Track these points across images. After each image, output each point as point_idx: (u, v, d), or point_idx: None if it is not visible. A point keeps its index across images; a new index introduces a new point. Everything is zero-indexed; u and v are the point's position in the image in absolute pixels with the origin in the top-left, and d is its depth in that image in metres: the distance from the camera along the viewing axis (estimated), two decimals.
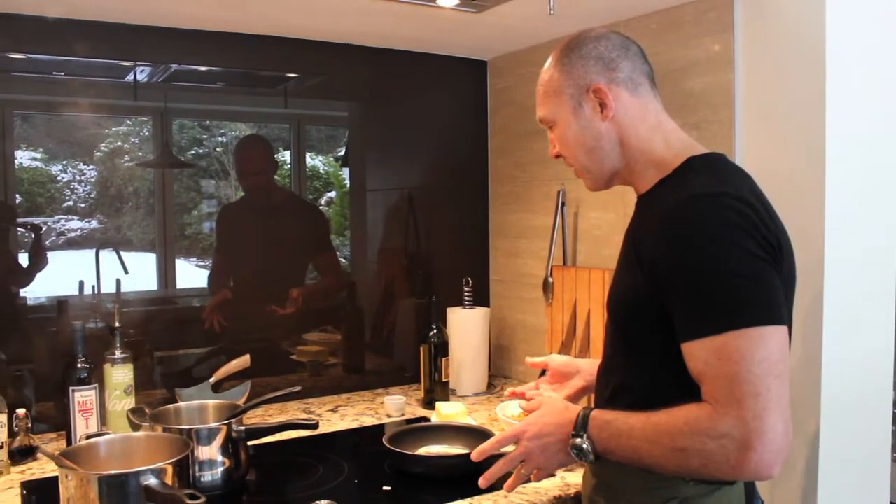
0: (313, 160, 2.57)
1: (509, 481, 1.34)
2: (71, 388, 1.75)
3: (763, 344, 1.05)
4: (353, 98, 2.54)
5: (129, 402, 1.83)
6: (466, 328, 2.37)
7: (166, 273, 2.34)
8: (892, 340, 1.82)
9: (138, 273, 2.21)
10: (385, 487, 1.64)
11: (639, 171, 1.30)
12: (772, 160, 1.69)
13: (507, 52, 2.53)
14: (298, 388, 1.71)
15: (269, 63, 2.30)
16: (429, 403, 2.22)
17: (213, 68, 2.27)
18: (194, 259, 2.39)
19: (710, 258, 1.08)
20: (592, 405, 1.34)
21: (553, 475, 1.51)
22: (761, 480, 1.12)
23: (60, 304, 2.05)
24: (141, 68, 2.13)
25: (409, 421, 2.12)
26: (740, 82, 1.78)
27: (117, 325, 1.85)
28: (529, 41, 2.37)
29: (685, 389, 1.11)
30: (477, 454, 1.36)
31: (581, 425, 1.21)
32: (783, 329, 1.08)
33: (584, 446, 1.20)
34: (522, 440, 1.30)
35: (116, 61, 2.10)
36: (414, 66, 2.51)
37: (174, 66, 2.17)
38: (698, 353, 1.09)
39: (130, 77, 2.14)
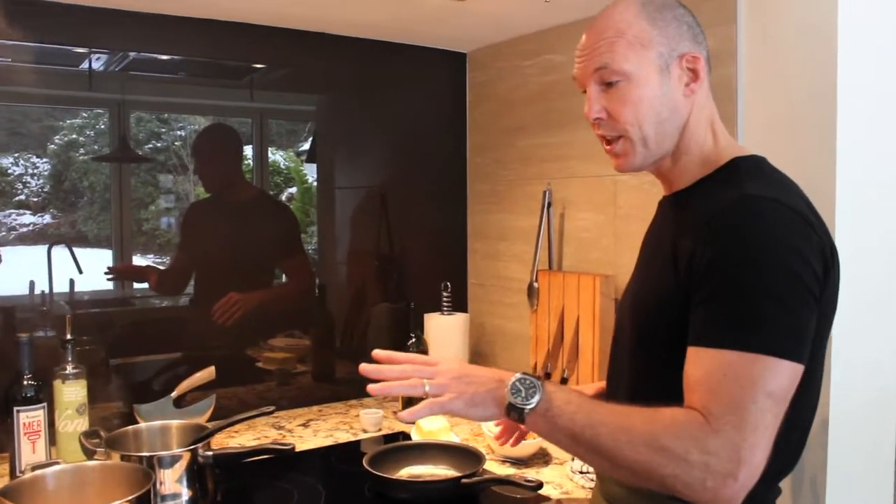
0: (273, 155, 2.43)
1: (412, 408, 1.09)
2: (15, 409, 1.58)
3: (776, 377, 0.96)
4: (322, 90, 2.39)
5: (83, 423, 1.67)
6: (446, 336, 2.25)
7: None
8: None
9: (93, 271, 2.07)
10: None
11: (684, 163, 1.18)
12: (778, 158, 1.57)
13: (488, 45, 2.41)
14: (272, 409, 1.56)
15: (236, 52, 2.16)
16: None
17: (174, 57, 2.11)
18: (151, 256, 2.26)
19: (756, 272, 0.98)
20: None
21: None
22: None
23: (6, 310, 1.88)
24: (97, 56, 1.97)
25: (386, 436, 1.99)
26: (743, 76, 1.68)
27: (69, 336, 1.68)
28: (513, 32, 2.25)
29: None
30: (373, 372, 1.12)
31: (533, 377, 1.06)
32: (798, 368, 0.99)
33: (529, 390, 1.04)
34: (441, 377, 1.10)
35: (70, 48, 1.94)
36: (388, 57, 2.38)
37: (133, 55, 2.01)
38: (704, 360, 0.99)
39: (85, 65, 1.98)
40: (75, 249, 2.01)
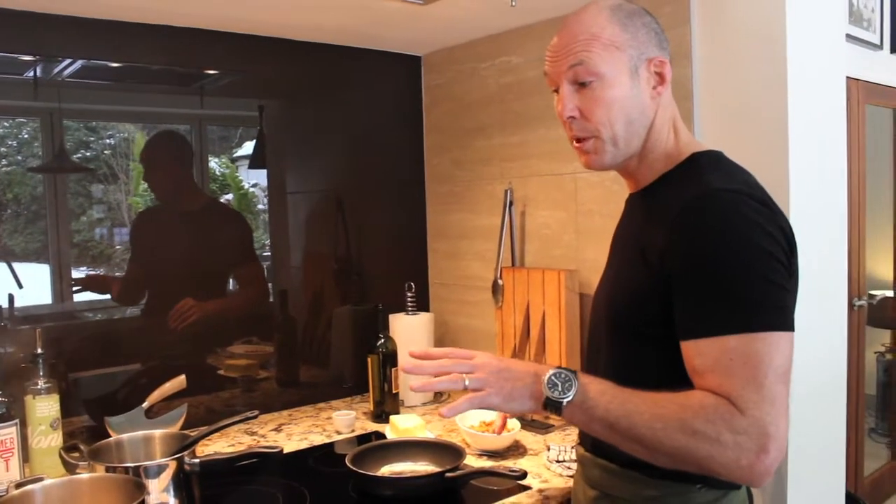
0: (208, 161, 2.39)
1: (452, 404, 1.12)
2: None
3: (779, 350, 1.03)
4: (271, 96, 2.36)
5: (57, 438, 1.64)
6: (412, 335, 2.27)
7: (62, 285, 2.12)
8: (846, 334, 1.86)
9: (29, 286, 1.99)
10: None
11: (650, 161, 1.24)
12: (733, 153, 1.67)
13: (443, 48, 2.44)
14: (256, 413, 1.57)
15: (183, 58, 2.12)
16: (379, 416, 2.11)
17: (109, 64, 2.05)
18: (84, 269, 2.17)
19: (737, 256, 1.04)
20: None
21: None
22: (754, 486, 1.09)
23: None
24: (31, 63, 1.91)
25: (360, 437, 2.00)
26: (698, 76, 1.76)
27: (40, 350, 1.65)
28: (470, 35, 2.29)
29: None
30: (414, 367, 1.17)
31: (567, 370, 1.10)
32: (792, 337, 1.06)
33: (565, 383, 1.08)
34: (480, 371, 1.14)
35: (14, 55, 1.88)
36: (339, 61, 2.38)
37: (80, 62, 1.96)
38: (708, 350, 1.04)
39: (29, 74, 1.92)
40: (2, 264, 1.95)
